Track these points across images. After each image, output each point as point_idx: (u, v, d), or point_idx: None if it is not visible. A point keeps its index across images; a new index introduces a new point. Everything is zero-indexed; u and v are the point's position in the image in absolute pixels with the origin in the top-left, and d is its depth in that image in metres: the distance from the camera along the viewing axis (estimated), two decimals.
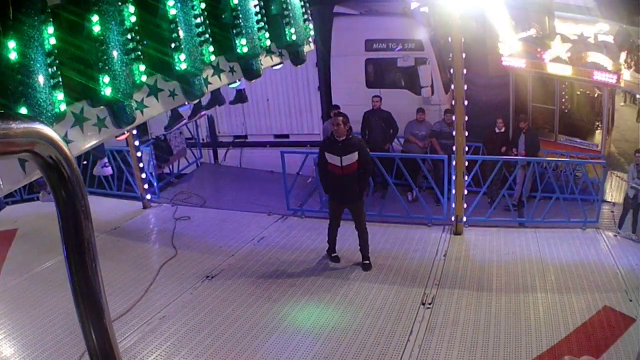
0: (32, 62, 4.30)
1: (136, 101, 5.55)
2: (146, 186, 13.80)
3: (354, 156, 9.60)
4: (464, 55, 11.27)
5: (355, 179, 9.71)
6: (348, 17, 18.59)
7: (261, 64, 7.59)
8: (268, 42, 7.68)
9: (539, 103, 19.42)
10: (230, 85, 7.92)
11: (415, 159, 14.31)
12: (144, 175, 13.70)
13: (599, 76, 17.27)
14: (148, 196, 13.82)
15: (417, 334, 7.87)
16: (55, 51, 4.50)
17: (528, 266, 10.06)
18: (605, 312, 8.37)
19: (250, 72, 7.39)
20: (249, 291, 9.17)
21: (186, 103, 6.76)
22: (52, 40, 4.48)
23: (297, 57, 8.64)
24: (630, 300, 8.62)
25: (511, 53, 19.17)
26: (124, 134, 6.24)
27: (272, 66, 8.34)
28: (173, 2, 5.82)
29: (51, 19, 4.50)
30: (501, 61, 19.62)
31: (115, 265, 9.77)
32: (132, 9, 5.31)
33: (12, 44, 4.19)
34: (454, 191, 11.76)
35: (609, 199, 16.22)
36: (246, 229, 11.97)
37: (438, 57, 18.07)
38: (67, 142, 4.25)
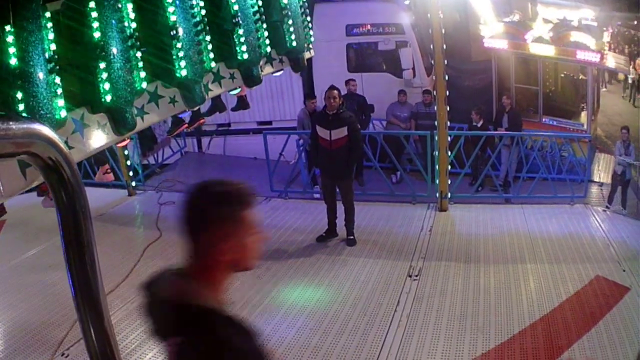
0: (32, 68, 4.27)
1: (136, 108, 5.52)
2: (131, 173, 13.67)
3: (343, 131, 9.58)
4: (444, 46, 11.24)
5: (344, 154, 9.67)
6: (329, 4, 18.62)
7: (261, 71, 7.60)
8: (268, 49, 7.66)
9: (522, 84, 19.35)
10: (231, 92, 7.89)
11: (399, 139, 14.27)
12: (129, 163, 13.58)
13: (581, 55, 17.24)
14: (133, 184, 13.70)
15: (405, 305, 7.80)
16: (56, 57, 4.47)
17: (516, 239, 10.02)
18: (598, 281, 8.31)
19: (251, 78, 7.37)
20: None
21: (186, 110, 6.66)
22: (52, 46, 4.45)
23: (297, 64, 8.66)
24: (624, 271, 8.56)
25: (493, 35, 19.11)
26: (124, 140, 6.19)
27: (273, 73, 8.36)
28: (173, 9, 5.81)
29: (51, 25, 4.47)
30: (483, 45, 19.57)
31: (100, 248, 9.44)
32: (132, 15, 5.30)
33: (12, 49, 4.16)
34: (437, 167, 11.67)
35: (596, 179, 16.22)
36: None
37: (419, 41, 18.09)
38: (69, 148, 4.17)
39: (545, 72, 19.17)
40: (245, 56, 7.02)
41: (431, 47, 11.57)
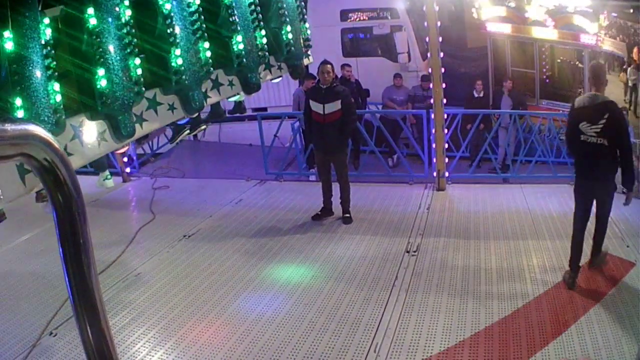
0: (31, 74, 4.29)
1: (135, 114, 5.52)
2: (125, 159, 13.47)
3: (337, 104, 9.51)
4: (439, 23, 11.17)
5: (337, 128, 9.59)
6: None
7: (260, 77, 7.55)
8: (267, 56, 7.61)
9: (519, 67, 19.25)
10: (230, 99, 7.86)
11: (396, 121, 14.23)
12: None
13: (577, 37, 17.16)
14: (127, 170, 13.54)
15: (403, 279, 7.61)
16: (54, 63, 4.50)
17: (516, 217, 9.88)
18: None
19: (250, 85, 7.33)
20: (226, 247, 8.93)
21: (185, 117, 6.66)
22: (51, 53, 4.47)
23: (296, 70, 8.65)
24: (627, 246, 8.42)
25: (489, 19, 19.04)
26: (124, 146, 6.21)
27: (272, 79, 8.32)
28: (172, 15, 5.83)
29: (50, 31, 4.49)
30: (479, 32, 19.51)
31: (94, 232, 9.30)
32: (130, 22, 5.28)
33: (10, 55, 4.20)
34: (434, 145, 11.53)
35: None
36: (224, 194, 11.76)
37: (414, 26, 17.95)
38: (68, 155, 4.09)
39: (542, 58, 19.07)
40: (244, 63, 6.99)
41: (425, 24, 11.44)
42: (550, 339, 6.10)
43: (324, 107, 9.51)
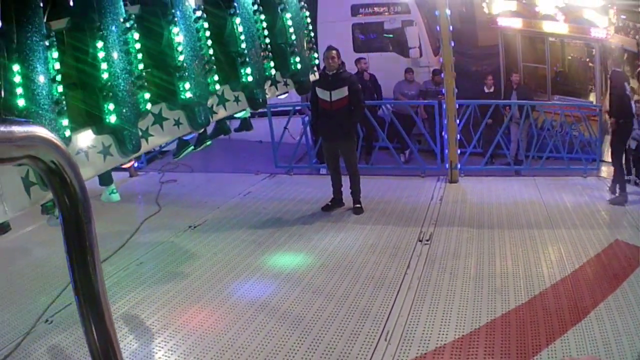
0: (36, 88, 4.22)
1: (141, 129, 5.44)
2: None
3: (344, 91, 9.38)
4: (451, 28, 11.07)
5: (345, 115, 9.45)
6: None
7: (266, 94, 7.41)
8: (273, 72, 7.46)
9: (530, 62, 19.06)
10: (236, 115, 7.65)
11: (408, 116, 14.06)
12: None
13: (588, 31, 17.01)
14: (135, 164, 13.30)
15: (416, 267, 7.44)
16: (60, 77, 4.41)
17: (530, 207, 9.77)
18: (619, 245, 8.06)
19: (255, 101, 7.19)
20: (232, 236, 8.78)
21: (191, 132, 6.54)
22: (57, 66, 4.39)
23: (302, 87, 8.46)
24: None
25: (500, 14, 18.88)
26: (129, 161, 6.06)
27: (278, 95, 8.16)
28: (178, 30, 5.73)
29: (56, 44, 4.39)
30: (490, 29, 19.37)
31: (99, 223, 9.18)
32: (137, 35, 5.18)
33: (16, 68, 4.11)
34: (446, 136, 11.36)
35: (607, 160, 15.79)
36: (233, 186, 11.64)
37: (426, 21, 17.76)
38: None
39: (553, 54, 18.87)
40: (250, 79, 6.87)
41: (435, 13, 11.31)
42: (569, 326, 5.92)
43: (330, 94, 9.38)
